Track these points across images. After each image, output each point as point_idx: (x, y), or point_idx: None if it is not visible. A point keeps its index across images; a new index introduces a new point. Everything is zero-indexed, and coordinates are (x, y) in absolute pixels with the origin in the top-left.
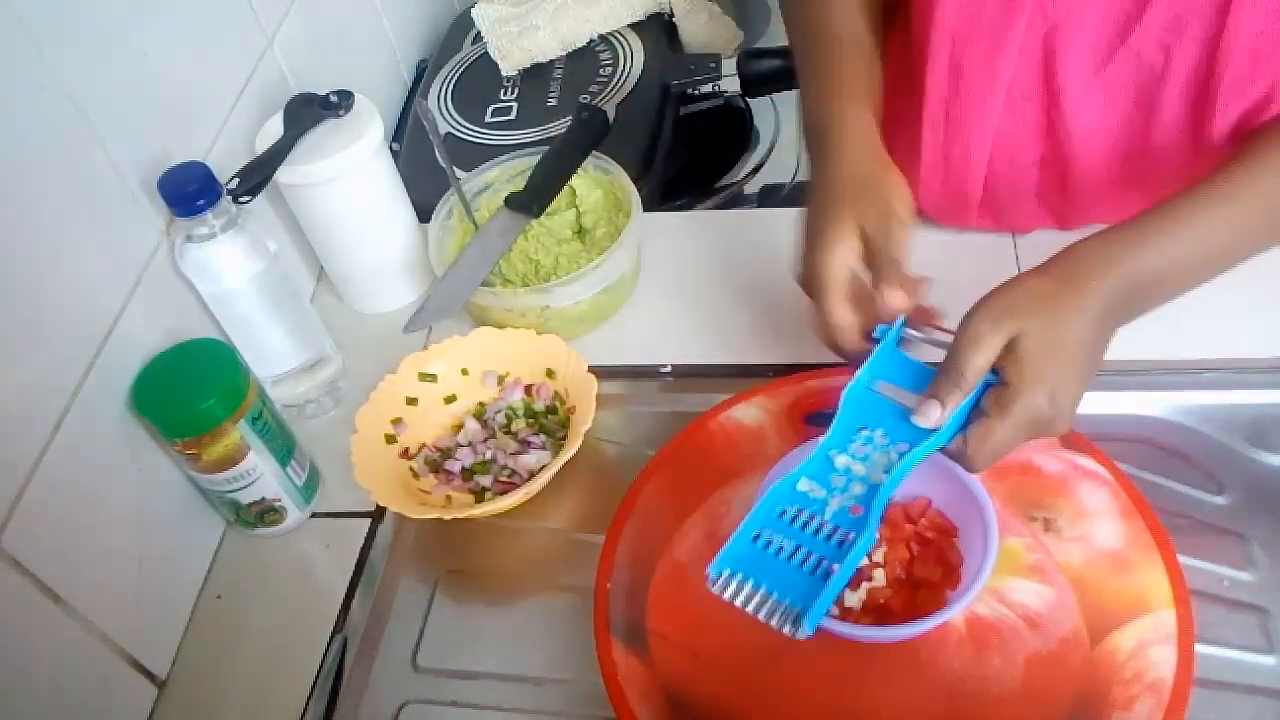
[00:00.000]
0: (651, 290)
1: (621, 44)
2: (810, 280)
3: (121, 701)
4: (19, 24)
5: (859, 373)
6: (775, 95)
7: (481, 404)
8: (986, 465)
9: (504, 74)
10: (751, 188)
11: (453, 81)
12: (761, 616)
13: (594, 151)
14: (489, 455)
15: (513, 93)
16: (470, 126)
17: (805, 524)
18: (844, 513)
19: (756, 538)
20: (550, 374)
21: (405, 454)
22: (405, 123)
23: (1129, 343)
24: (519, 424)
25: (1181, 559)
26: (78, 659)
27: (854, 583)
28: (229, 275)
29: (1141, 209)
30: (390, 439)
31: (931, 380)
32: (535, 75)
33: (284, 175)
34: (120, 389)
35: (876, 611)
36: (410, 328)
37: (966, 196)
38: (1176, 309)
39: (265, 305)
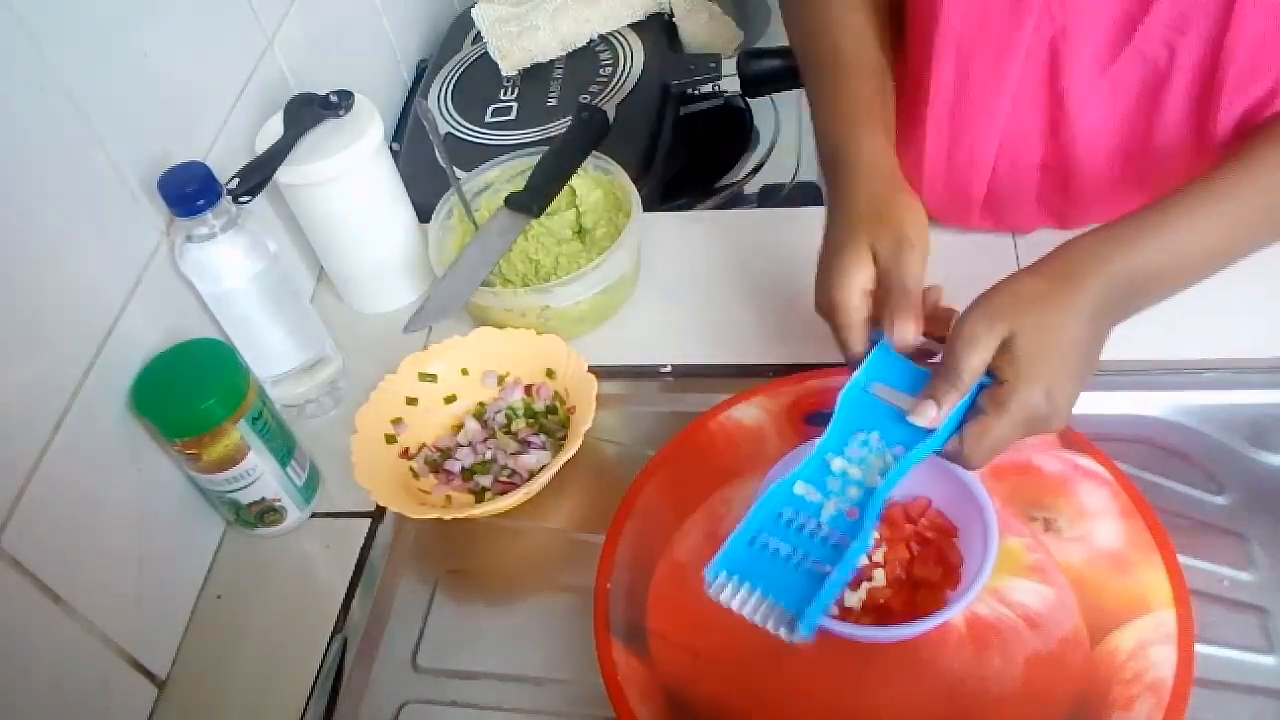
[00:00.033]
0: (651, 290)
1: (621, 44)
2: (827, 307)
3: (121, 701)
4: (19, 24)
5: (855, 375)
6: (775, 95)
7: (481, 404)
8: (983, 463)
9: (504, 74)
10: (751, 188)
11: (453, 81)
12: (758, 620)
13: (594, 151)
14: (489, 455)
15: (513, 93)
16: (470, 126)
17: (802, 527)
18: (840, 516)
19: (753, 541)
20: (550, 374)
21: (405, 454)
22: (405, 123)
23: (1128, 342)
24: (519, 424)
25: (1181, 559)
26: (78, 659)
27: (854, 583)
28: (229, 275)
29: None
30: (390, 439)
31: (926, 379)
32: (535, 75)
33: (284, 175)
34: (120, 389)
35: (876, 611)
36: (410, 328)
37: (969, 198)
38: (1175, 308)
39: (265, 305)
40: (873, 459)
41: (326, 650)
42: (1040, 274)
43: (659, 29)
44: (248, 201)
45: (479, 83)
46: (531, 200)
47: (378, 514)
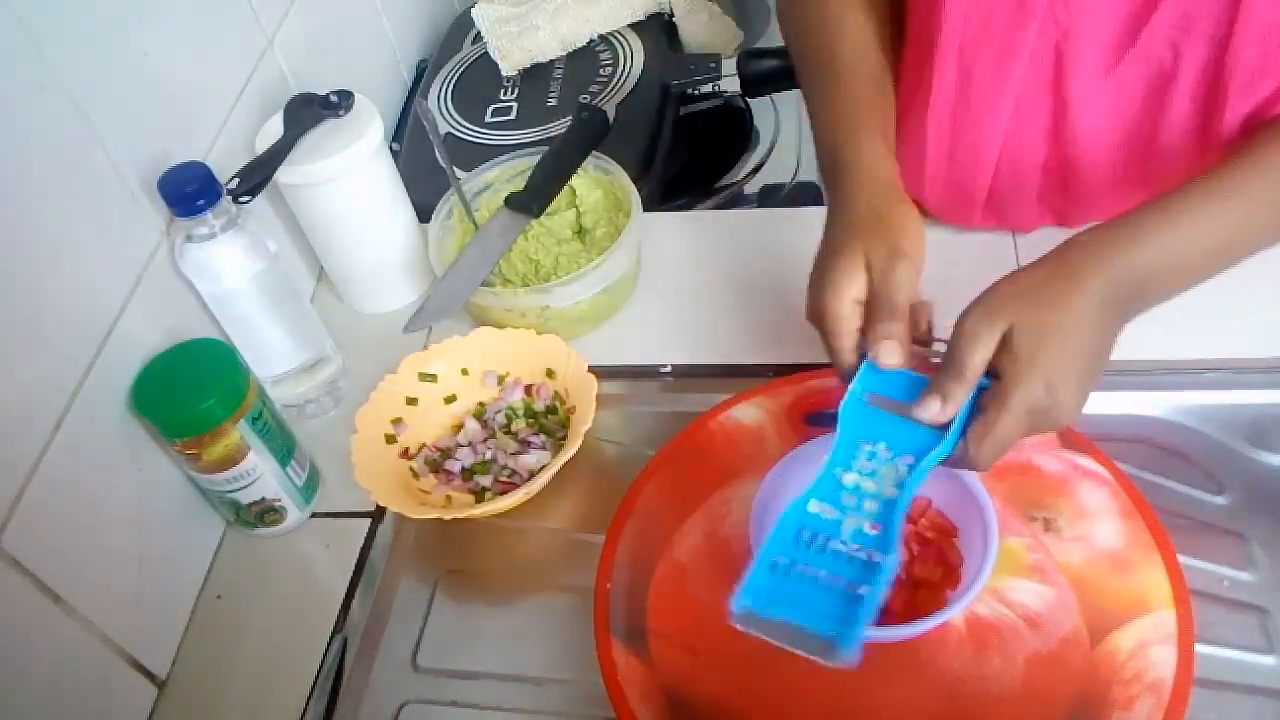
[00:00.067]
0: (651, 290)
1: (621, 44)
2: (816, 315)
3: (121, 701)
4: (19, 24)
5: (851, 388)
6: (775, 95)
7: (481, 404)
8: (990, 462)
9: (504, 74)
10: (751, 188)
11: (453, 81)
12: (796, 649)
13: (594, 151)
14: (489, 455)
15: (513, 93)
16: (470, 126)
17: (824, 547)
18: (861, 532)
19: (775, 566)
20: (550, 374)
21: (405, 454)
22: (405, 123)
23: (1128, 342)
24: (519, 424)
25: (1181, 559)
26: (78, 659)
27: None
28: (229, 275)
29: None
30: (390, 439)
31: (922, 385)
32: (535, 75)
33: (284, 175)
34: (120, 389)
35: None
36: (410, 328)
37: (972, 198)
38: (1175, 308)
39: (265, 305)
40: (884, 470)
41: (326, 650)
42: (1041, 268)
43: (659, 29)
44: (248, 201)
45: (479, 83)
46: (531, 200)
47: (378, 514)
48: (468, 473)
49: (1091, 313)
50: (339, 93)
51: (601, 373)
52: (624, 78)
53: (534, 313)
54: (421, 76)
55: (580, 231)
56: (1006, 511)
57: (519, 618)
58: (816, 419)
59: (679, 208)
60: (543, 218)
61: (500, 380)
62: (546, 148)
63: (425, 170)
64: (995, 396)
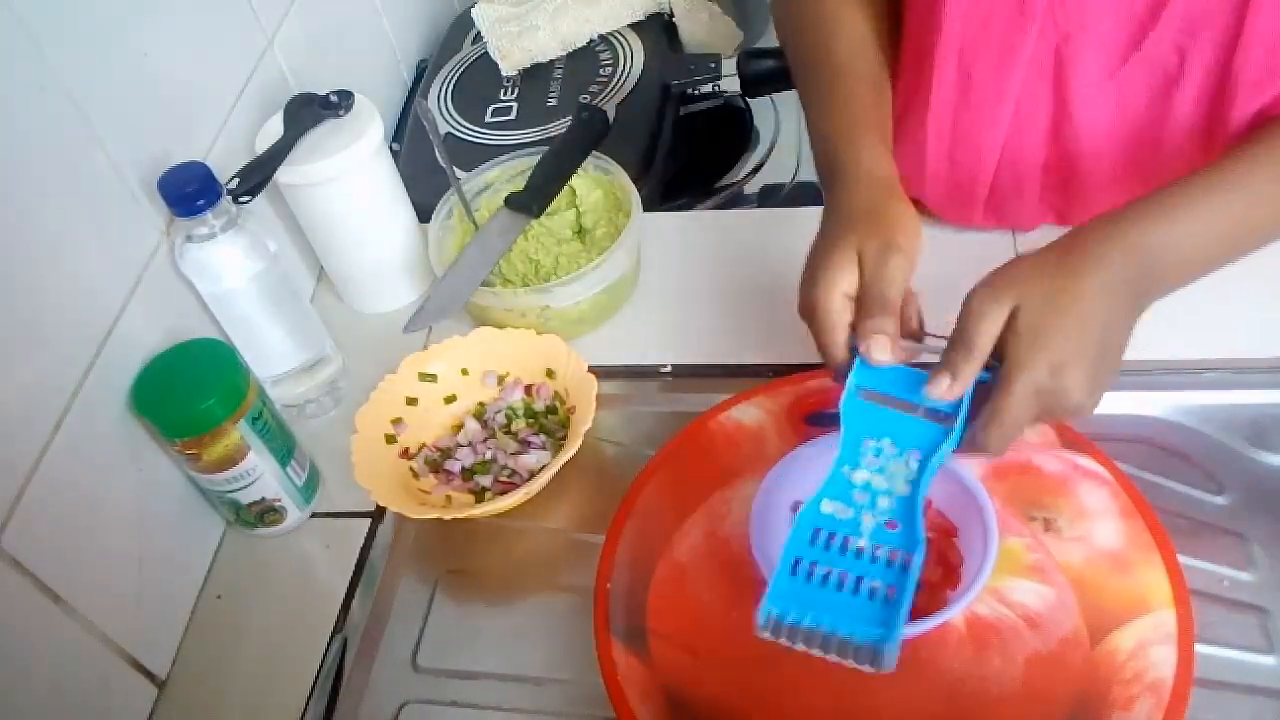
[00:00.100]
0: (651, 290)
1: (621, 44)
2: (807, 309)
3: (121, 701)
4: (19, 24)
5: (848, 385)
6: (775, 95)
7: (481, 404)
8: (1000, 445)
9: (504, 74)
10: (751, 188)
11: (453, 81)
12: (832, 657)
13: (594, 151)
14: (489, 455)
15: (513, 93)
16: (470, 126)
17: (844, 547)
18: (881, 529)
19: (796, 570)
20: (550, 374)
21: (405, 454)
22: (405, 123)
23: (1130, 342)
24: (519, 424)
25: (1181, 559)
26: (78, 659)
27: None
28: (229, 275)
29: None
30: (390, 439)
31: (918, 379)
32: (535, 75)
33: (284, 175)
34: (120, 389)
35: None
36: (410, 328)
37: (973, 197)
38: (1176, 309)
39: (265, 305)
40: (893, 466)
41: (326, 650)
42: (1052, 249)
43: (659, 29)
44: (248, 201)
45: (479, 83)
46: (531, 200)
47: (378, 514)
48: (468, 473)
49: (1099, 290)
50: (339, 93)
51: (601, 373)
52: (624, 78)
53: (534, 313)
54: (421, 76)
55: (580, 231)
56: (1006, 511)
57: (519, 618)
58: (816, 419)
59: (679, 208)
60: (543, 218)
61: (500, 380)
62: (546, 148)
63: (425, 170)
64: (1001, 379)
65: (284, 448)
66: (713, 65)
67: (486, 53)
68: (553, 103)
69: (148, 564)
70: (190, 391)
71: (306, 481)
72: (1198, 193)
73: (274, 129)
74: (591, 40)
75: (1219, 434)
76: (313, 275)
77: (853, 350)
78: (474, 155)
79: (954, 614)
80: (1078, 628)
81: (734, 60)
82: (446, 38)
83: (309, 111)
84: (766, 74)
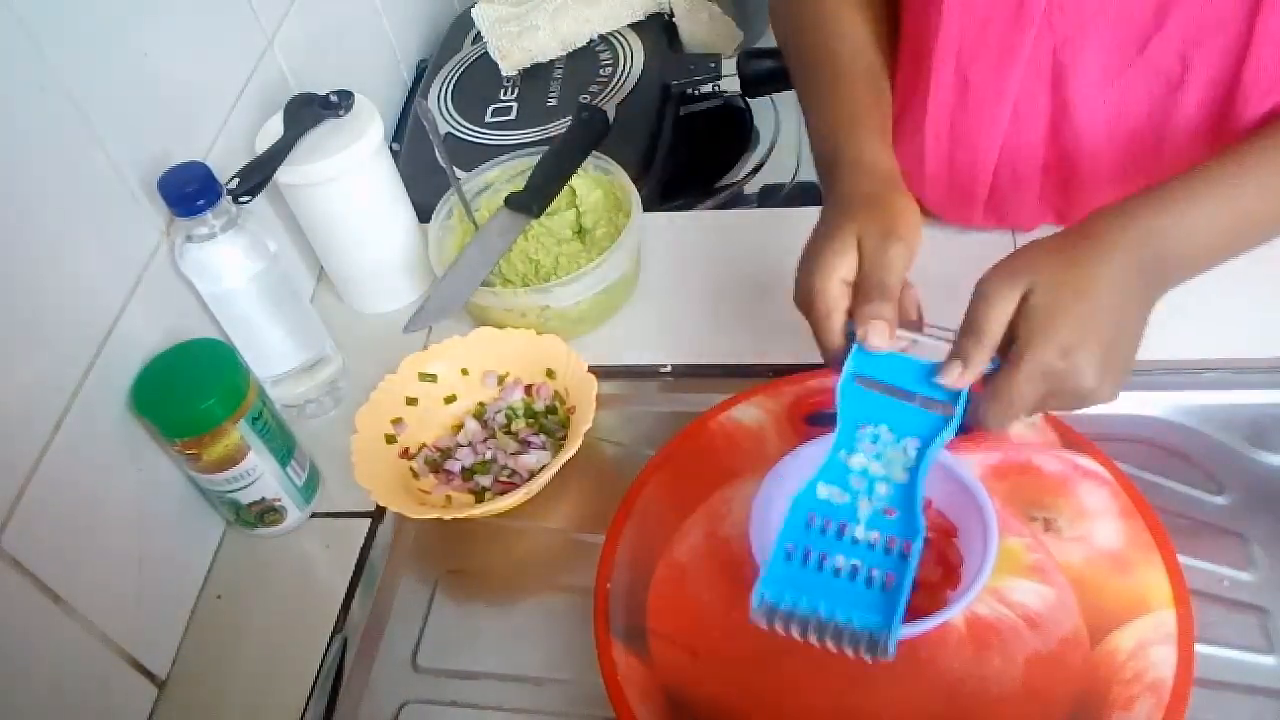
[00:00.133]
0: (651, 290)
1: (621, 44)
2: (804, 296)
3: (121, 701)
4: (19, 24)
5: (844, 371)
6: (775, 95)
7: (481, 404)
8: (1000, 423)
9: (504, 74)
10: (751, 188)
11: (453, 81)
12: (829, 645)
13: (594, 151)
14: (489, 455)
15: (513, 93)
16: (470, 126)
17: (840, 532)
18: (879, 515)
19: (790, 555)
20: (550, 374)
21: (405, 454)
22: (405, 123)
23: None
24: (519, 424)
25: (1181, 559)
26: (78, 659)
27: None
28: (229, 275)
29: None
30: (390, 439)
31: (914, 366)
32: (535, 75)
33: (284, 175)
34: (120, 389)
35: None
36: (410, 328)
37: (973, 198)
38: (1176, 308)
39: (265, 305)
40: (890, 452)
41: (326, 650)
42: (1065, 235)
43: (659, 29)
44: (248, 201)
45: (479, 83)
46: (531, 200)
47: (378, 514)
48: (468, 473)
49: (1112, 275)
50: (339, 93)
51: (601, 373)
52: (624, 78)
53: (534, 313)
54: (421, 76)
55: (580, 231)
56: (1006, 511)
57: (519, 618)
58: (817, 419)
59: (679, 208)
60: (543, 218)
61: (500, 380)
62: (546, 148)
63: (425, 170)
64: (1009, 357)
65: (284, 448)
66: (713, 65)
67: (486, 53)
68: (553, 103)
69: (148, 564)
70: (190, 391)
71: (306, 481)
72: (1208, 181)
73: (274, 129)
74: (591, 40)
75: (1219, 434)
76: (313, 275)
77: (850, 337)
78: (474, 155)
79: (954, 614)
80: (1078, 628)
81: (734, 60)
82: (446, 38)
83: (309, 111)
84: (766, 74)
